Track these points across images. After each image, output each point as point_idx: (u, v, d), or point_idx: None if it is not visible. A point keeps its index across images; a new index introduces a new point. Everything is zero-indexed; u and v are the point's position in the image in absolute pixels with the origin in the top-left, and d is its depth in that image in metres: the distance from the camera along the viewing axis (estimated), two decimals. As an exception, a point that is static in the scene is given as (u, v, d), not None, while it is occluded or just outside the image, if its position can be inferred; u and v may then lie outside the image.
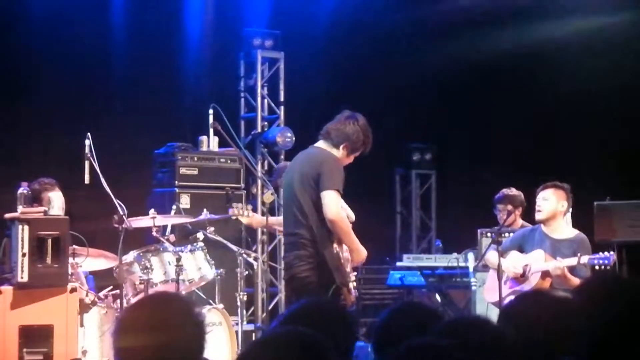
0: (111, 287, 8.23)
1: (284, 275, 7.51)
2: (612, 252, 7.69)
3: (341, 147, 7.16)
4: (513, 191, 9.38)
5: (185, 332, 3.16)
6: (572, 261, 7.68)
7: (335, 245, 7.00)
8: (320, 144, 7.28)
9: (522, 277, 8.00)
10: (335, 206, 6.95)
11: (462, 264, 10.50)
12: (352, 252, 7.08)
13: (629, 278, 3.70)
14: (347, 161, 7.26)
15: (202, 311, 3.20)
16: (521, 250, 8.19)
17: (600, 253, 7.65)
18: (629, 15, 11.77)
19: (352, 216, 8.02)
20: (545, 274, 7.83)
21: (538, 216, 8.02)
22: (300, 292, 7.01)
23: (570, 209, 8.57)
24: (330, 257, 6.97)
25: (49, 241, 7.11)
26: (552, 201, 7.96)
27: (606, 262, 7.56)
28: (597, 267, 7.62)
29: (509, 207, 9.19)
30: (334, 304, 4.31)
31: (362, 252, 7.16)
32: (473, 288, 9.80)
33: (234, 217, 8.96)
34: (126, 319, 3.26)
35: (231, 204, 8.93)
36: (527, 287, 7.90)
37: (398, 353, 2.76)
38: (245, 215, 8.83)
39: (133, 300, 8.07)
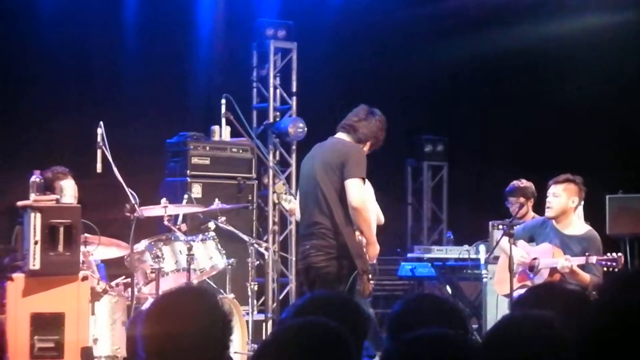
0: (123, 276, 8.26)
1: (299, 265, 7.50)
2: (620, 254, 7.66)
3: (367, 143, 7.24)
4: (524, 183, 9.34)
5: (213, 325, 3.20)
6: (581, 260, 7.66)
7: (357, 233, 7.03)
8: (343, 135, 7.31)
9: (531, 270, 7.99)
10: (360, 194, 6.99)
11: (473, 256, 10.50)
12: (368, 245, 7.10)
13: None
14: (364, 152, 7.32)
15: (229, 304, 3.23)
16: (531, 240, 8.18)
17: (609, 254, 7.62)
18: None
19: (382, 218, 8.05)
20: (554, 270, 7.81)
21: (548, 213, 8.00)
22: (316, 282, 7.03)
23: (582, 202, 8.57)
24: (353, 244, 7.00)
25: (61, 229, 7.13)
26: (562, 198, 7.93)
27: (614, 264, 7.53)
28: (605, 269, 7.59)
29: (521, 199, 9.16)
30: (347, 296, 4.30)
31: (377, 247, 7.19)
32: (484, 280, 9.81)
33: (276, 202, 8.90)
34: (157, 308, 3.29)
35: (274, 189, 8.71)
36: (537, 280, 7.90)
37: (408, 341, 2.76)
38: (289, 201, 8.66)
39: (144, 289, 8.11)
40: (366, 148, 7.29)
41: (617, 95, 11.63)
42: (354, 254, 6.98)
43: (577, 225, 8.03)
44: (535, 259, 7.97)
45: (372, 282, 7.10)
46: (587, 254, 7.67)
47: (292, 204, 8.60)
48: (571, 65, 11.88)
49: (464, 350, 2.72)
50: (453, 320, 3.48)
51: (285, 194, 8.59)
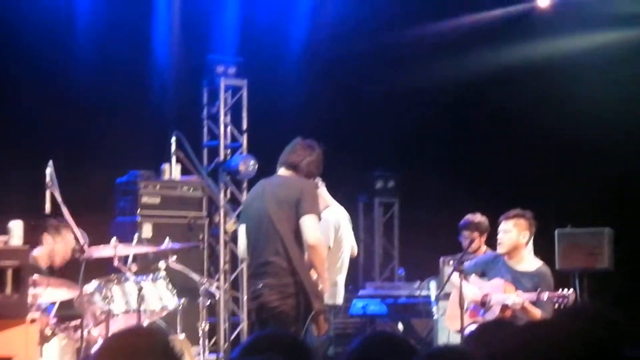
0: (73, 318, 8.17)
1: (251, 304, 7.42)
2: (571, 290, 7.69)
3: (304, 173, 7.21)
4: (478, 217, 9.37)
5: None
6: (532, 297, 7.68)
7: (313, 272, 6.98)
8: (284, 171, 7.28)
9: (482, 306, 7.99)
10: (315, 231, 6.94)
11: (424, 293, 10.51)
12: (322, 281, 7.04)
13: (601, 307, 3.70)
14: None
15: (180, 347, 3.20)
16: (483, 275, 8.19)
17: (560, 291, 7.65)
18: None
19: (355, 251, 8.06)
20: (505, 306, 7.82)
21: (499, 249, 8.02)
22: (269, 322, 6.95)
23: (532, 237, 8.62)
24: (309, 284, 6.94)
25: (9, 271, 7.02)
26: (513, 233, 7.95)
27: (566, 300, 7.56)
28: (556, 305, 7.62)
29: (475, 233, 9.20)
30: (293, 335, 4.26)
31: (328, 285, 7.16)
32: (435, 317, 9.81)
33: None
34: (104, 350, 3.25)
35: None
36: (489, 317, 7.91)
37: None
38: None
39: (94, 331, 8.01)
40: (309, 178, 7.29)
41: (567, 129, 11.74)
42: (312, 293, 6.92)
43: (528, 260, 8.05)
44: (486, 294, 7.98)
45: (327, 320, 7.07)
46: (538, 290, 7.70)
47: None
48: (521, 99, 11.98)
49: None
50: (408, 358, 3.47)
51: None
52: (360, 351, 3.70)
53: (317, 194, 7.12)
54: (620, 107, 11.49)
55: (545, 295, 7.63)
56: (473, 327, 7.81)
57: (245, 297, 11.07)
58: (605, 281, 10.21)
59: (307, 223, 6.92)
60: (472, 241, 8.98)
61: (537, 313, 7.64)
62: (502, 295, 7.85)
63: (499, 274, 8.00)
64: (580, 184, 11.75)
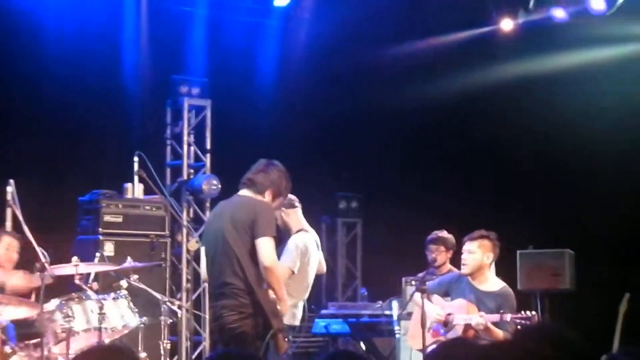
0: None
1: (212, 325, 7.42)
2: (534, 312, 7.73)
3: (266, 193, 7.21)
4: (445, 234, 9.39)
5: None
6: (495, 317, 7.71)
7: (270, 292, 6.98)
8: (245, 192, 7.30)
9: (445, 326, 8.02)
10: (271, 253, 6.94)
11: (386, 312, 10.53)
12: (280, 302, 7.05)
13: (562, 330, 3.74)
14: (274, 206, 7.31)
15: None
16: (446, 294, 8.22)
17: (523, 313, 7.68)
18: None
19: (324, 268, 8.08)
20: (468, 326, 7.85)
21: (464, 270, 8.04)
22: (230, 343, 6.95)
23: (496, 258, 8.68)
24: (267, 303, 6.94)
25: (-32, 289, 7.00)
26: (477, 254, 7.98)
27: (528, 322, 7.59)
28: (519, 327, 7.64)
29: (442, 248, 9.23)
30: (249, 353, 4.27)
31: (287, 306, 7.17)
32: (397, 336, 9.84)
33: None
34: None
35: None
36: (451, 336, 7.93)
37: None
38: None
39: (54, 349, 7.95)
40: (269, 200, 7.25)
41: (529, 151, 11.83)
42: (270, 312, 6.93)
43: (492, 281, 8.08)
44: (449, 314, 8.01)
45: (287, 340, 7.08)
46: (501, 311, 7.73)
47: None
48: (484, 121, 12.05)
49: None
50: None
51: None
52: None
53: (272, 216, 7.12)
54: (583, 127, 11.59)
55: (508, 317, 7.66)
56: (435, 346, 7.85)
57: (207, 316, 11.04)
58: (566, 302, 10.28)
59: (262, 245, 6.91)
60: (437, 256, 9.04)
61: (499, 333, 7.67)
62: (465, 315, 7.88)
63: (463, 294, 8.03)
64: (542, 205, 11.84)
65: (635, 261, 11.16)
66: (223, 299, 7.03)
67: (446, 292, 8.21)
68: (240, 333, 6.93)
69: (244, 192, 7.31)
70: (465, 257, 8.02)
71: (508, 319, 7.64)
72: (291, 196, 8.68)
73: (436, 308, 8.07)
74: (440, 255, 9.15)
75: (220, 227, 7.13)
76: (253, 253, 6.95)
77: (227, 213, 7.20)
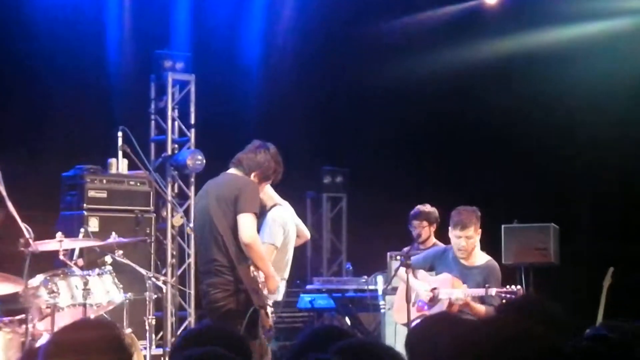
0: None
1: (203, 303, 7.42)
2: (519, 287, 7.75)
3: (252, 174, 7.23)
4: (428, 207, 9.37)
5: (112, 357, 3.16)
6: (480, 292, 7.73)
7: (252, 268, 6.98)
8: (232, 171, 7.32)
9: (431, 301, 8.03)
10: (250, 229, 6.95)
11: (371, 287, 10.56)
12: (267, 279, 7.05)
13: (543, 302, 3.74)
14: (259, 189, 7.31)
15: (127, 333, 3.21)
16: (432, 269, 8.22)
17: (508, 287, 7.69)
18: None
19: (307, 234, 8.09)
20: (452, 301, 7.87)
21: (462, 256, 7.98)
22: (217, 321, 6.96)
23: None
24: (247, 279, 6.95)
25: (-48, 265, 6.96)
26: (474, 239, 7.98)
27: (513, 296, 7.60)
28: (504, 301, 7.65)
29: (424, 223, 9.22)
30: (231, 328, 4.26)
31: (276, 280, 7.16)
32: (382, 311, 9.86)
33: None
34: (53, 343, 3.24)
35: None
36: (436, 310, 7.95)
37: None
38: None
39: (39, 325, 7.94)
40: (256, 179, 7.26)
41: (514, 124, 11.84)
42: (250, 289, 6.94)
43: (477, 255, 8.07)
44: (435, 288, 8.02)
45: (272, 315, 7.07)
46: (486, 285, 7.74)
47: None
48: (468, 95, 12.05)
49: None
50: None
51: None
52: (306, 344, 3.71)
53: (255, 193, 7.12)
54: (569, 102, 11.60)
55: (493, 291, 7.67)
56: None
57: (192, 292, 11.05)
58: (551, 276, 10.32)
59: (242, 221, 6.94)
60: (421, 231, 9.04)
61: (480, 309, 7.69)
62: (449, 290, 7.89)
63: (448, 268, 8.03)
64: (526, 179, 11.86)
65: (619, 236, 11.21)
66: (209, 277, 7.06)
67: (431, 267, 8.22)
68: (226, 311, 6.96)
69: (231, 170, 7.33)
70: (464, 243, 7.96)
71: (493, 294, 7.65)
72: None
73: (424, 285, 8.07)
74: (424, 230, 9.14)
75: (206, 204, 7.17)
76: (235, 229, 6.96)
77: (212, 191, 7.24)
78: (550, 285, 10.07)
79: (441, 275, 8.06)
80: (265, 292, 7.04)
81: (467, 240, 7.95)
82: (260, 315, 6.92)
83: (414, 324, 7.71)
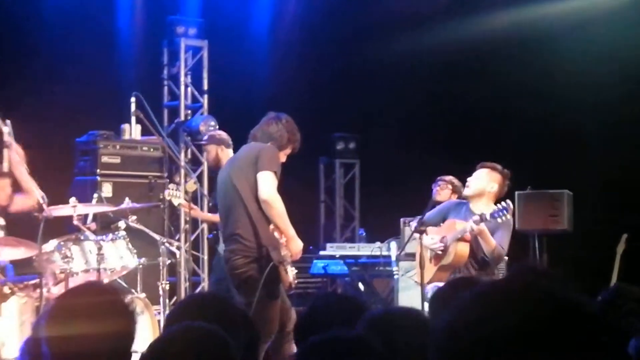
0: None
1: (228, 269, 7.33)
2: (508, 201, 7.74)
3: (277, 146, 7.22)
4: (457, 181, 9.38)
5: (116, 321, 3.15)
6: (476, 219, 7.70)
7: (271, 226, 6.93)
8: (251, 144, 7.34)
9: (444, 250, 8.04)
10: (269, 186, 6.92)
11: (385, 253, 10.56)
12: (288, 240, 6.95)
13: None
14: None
15: (132, 301, 3.21)
16: (444, 220, 8.22)
17: (499, 205, 7.71)
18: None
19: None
20: (461, 239, 7.86)
21: (465, 191, 8.10)
22: (240, 287, 6.94)
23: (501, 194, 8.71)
24: (266, 236, 6.91)
25: (-34, 231, 6.99)
26: (482, 180, 8.02)
27: (506, 211, 7.62)
28: (499, 219, 7.66)
29: (449, 186, 9.25)
30: (224, 297, 4.20)
31: (298, 242, 7.05)
32: (395, 277, 9.87)
33: (167, 198, 9.23)
34: (56, 308, 3.24)
35: (186, 187, 9.26)
36: (447, 259, 7.95)
37: (302, 349, 2.75)
38: (177, 197, 9.19)
39: (54, 290, 7.97)
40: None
41: (529, 92, 11.78)
42: (269, 246, 6.89)
43: (490, 208, 8.12)
44: (444, 237, 8.03)
45: (293, 272, 6.99)
46: (481, 214, 7.73)
47: (181, 200, 9.08)
48: (483, 63, 12.00)
49: (369, 352, 2.72)
50: (358, 317, 3.47)
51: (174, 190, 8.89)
52: (310, 314, 3.70)
53: (276, 154, 7.11)
54: (584, 72, 11.54)
55: (487, 215, 7.66)
56: (441, 273, 7.90)
57: (205, 257, 11.08)
58: (564, 243, 10.30)
59: (261, 179, 6.93)
60: (442, 193, 9.06)
61: (492, 241, 7.69)
62: (456, 230, 7.91)
63: (459, 217, 8.04)
64: (539, 148, 11.82)
65: (633, 202, 11.17)
66: (231, 243, 7.03)
67: (444, 218, 8.22)
68: (246, 277, 6.91)
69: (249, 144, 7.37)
70: (470, 179, 8.05)
71: (488, 217, 7.65)
72: (225, 135, 8.81)
73: (433, 238, 8.07)
74: (444, 192, 9.15)
75: (228, 172, 7.21)
76: (256, 190, 6.94)
77: (234, 161, 7.29)
78: (564, 252, 10.06)
79: (446, 222, 8.07)
80: (285, 252, 6.95)
81: (474, 177, 8.04)
82: (279, 272, 6.86)
83: (435, 281, 7.79)
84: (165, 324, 3.61)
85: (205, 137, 9.51)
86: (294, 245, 6.99)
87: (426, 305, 7.69)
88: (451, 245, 7.95)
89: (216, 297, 4.03)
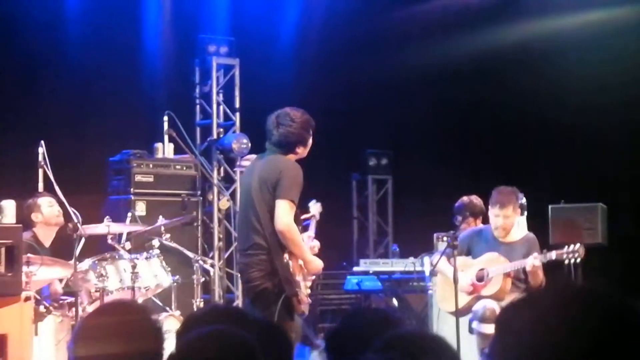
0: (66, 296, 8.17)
1: (241, 280, 7.38)
2: (578, 244, 7.76)
3: (297, 149, 7.10)
4: (472, 200, 9.33)
5: (144, 340, 3.14)
6: (537, 257, 7.72)
7: (285, 255, 6.86)
8: (270, 146, 7.19)
9: (480, 281, 8.03)
10: (285, 217, 6.79)
11: (418, 269, 10.53)
12: (305, 263, 6.97)
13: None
14: (302, 155, 7.19)
15: (160, 318, 3.20)
16: (469, 252, 8.21)
17: (567, 247, 7.73)
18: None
19: (317, 247, 7.92)
20: (506, 275, 7.89)
21: (501, 234, 8.03)
22: (254, 301, 6.92)
23: (525, 212, 8.68)
24: (280, 266, 6.83)
25: (3, 250, 7.03)
26: (513, 217, 8.03)
27: (577, 255, 7.65)
28: (566, 261, 7.65)
29: (469, 218, 9.19)
30: (234, 308, 4.17)
31: (316, 263, 7.00)
32: (429, 292, 9.83)
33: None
34: (84, 328, 3.24)
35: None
36: (489, 290, 7.95)
37: None
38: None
39: (89, 308, 8.02)
40: (300, 151, 7.09)
41: (557, 107, 11.73)
42: (282, 276, 6.83)
43: (515, 233, 8.14)
44: (482, 269, 8.02)
45: (307, 298, 7.00)
46: (544, 250, 7.79)
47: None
48: (513, 80, 11.96)
49: None
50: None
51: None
52: (342, 328, 3.69)
53: (297, 178, 6.96)
54: (613, 83, 11.47)
55: (553, 254, 7.69)
56: (478, 302, 7.89)
57: (239, 274, 11.09)
58: (598, 256, 10.22)
59: (279, 208, 6.79)
60: (465, 226, 9.03)
61: (541, 276, 7.73)
62: (504, 264, 7.89)
63: (488, 246, 8.05)
64: (573, 160, 11.76)
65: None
66: (247, 256, 6.94)
67: (468, 250, 8.21)
68: (262, 290, 6.85)
69: (268, 145, 7.21)
70: (502, 223, 8.00)
71: (554, 257, 7.66)
72: None
73: (464, 276, 8.04)
74: (467, 224, 9.13)
75: (249, 183, 7.06)
76: (272, 214, 6.87)
77: (257, 170, 7.10)
78: (599, 266, 10.00)
79: (487, 255, 8.05)
80: (299, 277, 6.94)
81: (505, 219, 7.99)
82: (292, 303, 6.87)
83: (472, 305, 7.80)
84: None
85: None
86: (312, 267, 6.98)
87: (461, 319, 7.71)
88: (496, 277, 7.94)
89: (228, 306, 4.06)
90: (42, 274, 7.83)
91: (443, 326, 8.53)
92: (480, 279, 8.03)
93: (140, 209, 10.11)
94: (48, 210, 8.32)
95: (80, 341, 3.15)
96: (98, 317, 3.37)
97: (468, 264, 8.13)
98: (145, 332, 3.18)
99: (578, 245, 7.76)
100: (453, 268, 7.73)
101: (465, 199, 9.36)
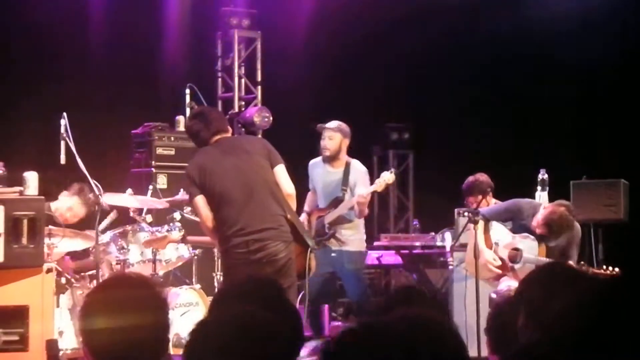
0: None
1: (254, 259, 7.13)
2: (617, 269, 7.69)
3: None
4: (478, 178, 9.19)
5: (149, 312, 3.15)
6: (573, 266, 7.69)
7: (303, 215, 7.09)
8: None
9: (512, 261, 7.93)
10: (290, 181, 7.03)
11: (439, 244, 10.52)
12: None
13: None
14: None
15: (164, 290, 3.19)
16: (507, 220, 8.10)
17: (605, 269, 7.66)
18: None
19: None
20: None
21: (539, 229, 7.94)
22: (280, 273, 6.84)
23: (547, 188, 8.62)
24: (299, 224, 7.06)
25: (25, 221, 7.07)
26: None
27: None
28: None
29: (479, 197, 8.96)
30: (272, 283, 4.18)
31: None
32: (450, 267, 9.80)
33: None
34: (89, 303, 3.24)
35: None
36: (514, 277, 7.84)
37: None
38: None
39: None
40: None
41: (587, 84, 11.66)
42: (303, 232, 7.06)
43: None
44: (517, 249, 7.90)
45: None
46: (581, 263, 7.82)
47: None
48: (540, 55, 11.88)
49: None
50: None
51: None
52: (388, 302, 3.67)
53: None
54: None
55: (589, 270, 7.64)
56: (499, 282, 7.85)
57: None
58: (620, 232, 10.19)
59: (282, 172, 6.98)
60: (478, 204, 8.90)
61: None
62: (537, 257, 7.77)
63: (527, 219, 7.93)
64: (595, 136, 11.70)
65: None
66: (266, 230, 6.84)
67: (511, 218, 8.09)
68: (287, 261, 6.86)
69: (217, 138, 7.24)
70: (538, 224, 7.83)
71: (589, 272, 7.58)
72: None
73: (490, 254, 7.95)
74: (479, 204, 9.04)
75: (235, 164, 6.92)
76: (276, 182, 6.96)
77: (233, 151, 7.00)
78: (620, 242, 9.97)
79: (528, 240, 7.89)
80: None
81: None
82: (312, 259, 7.00)
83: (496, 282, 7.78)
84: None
85: (333, 125, 8.82)
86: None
87: (481, 296, 7.67)
88: (527, 267, 7.80)
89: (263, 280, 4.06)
90: (64, 245, 7.89)
91: (466, 300, 8.38)
92: (512, 259, 7.93)
93: (162, 181, 10.12)
94: (78, 209, 8.33)
95: (85, 315, 3.16)
96: (102, 291, 3.38)
97: (506, 237, 8.01)
98: (150, 304, 3.18)
99: (617, 270, 7.67)
100: (474, 243, 7.70)
101: (470, 179, 9.22)
